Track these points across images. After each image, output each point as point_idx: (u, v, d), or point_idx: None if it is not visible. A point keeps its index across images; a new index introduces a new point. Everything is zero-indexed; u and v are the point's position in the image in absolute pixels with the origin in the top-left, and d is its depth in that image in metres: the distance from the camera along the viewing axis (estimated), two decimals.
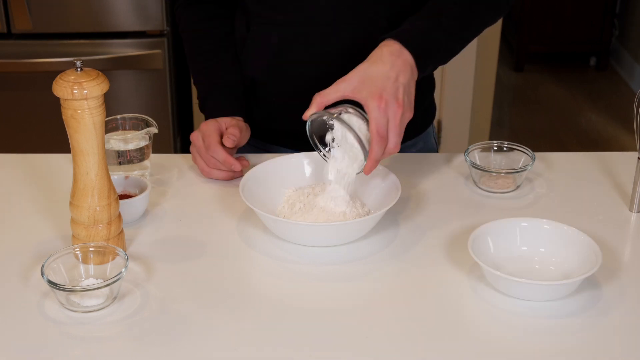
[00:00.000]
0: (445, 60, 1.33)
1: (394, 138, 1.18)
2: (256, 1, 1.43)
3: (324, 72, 1.36)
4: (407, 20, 1.29)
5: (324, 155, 1.25)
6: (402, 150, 1.53)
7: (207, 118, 1.43)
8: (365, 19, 1.39)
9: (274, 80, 1.47)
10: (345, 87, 1.20)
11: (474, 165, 1.35)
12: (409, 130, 1.57)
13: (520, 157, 1.39)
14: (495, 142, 1.41)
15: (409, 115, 1.21)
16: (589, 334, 1.03)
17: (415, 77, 1.24)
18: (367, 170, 1.18)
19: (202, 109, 1.47)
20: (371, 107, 1.17)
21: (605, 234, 1.23)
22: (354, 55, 1.40)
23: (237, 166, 1.35)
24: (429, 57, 1.26)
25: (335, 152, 1.22)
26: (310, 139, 1.24)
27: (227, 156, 1.35)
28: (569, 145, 3.73)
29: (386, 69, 1.20)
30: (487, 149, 1.41)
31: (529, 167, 1.35)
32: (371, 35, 1.39)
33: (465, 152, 1.38)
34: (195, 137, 1.39)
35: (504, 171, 1.35)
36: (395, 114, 1.17)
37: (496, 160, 1.40)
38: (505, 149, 1.41)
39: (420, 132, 1.57)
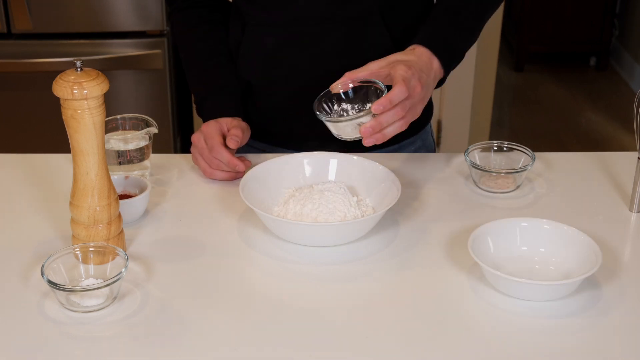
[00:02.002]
0: (463, 55, 1.37)
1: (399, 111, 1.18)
2: (248, 3, 1.43)
3: (319, 72, 1.36)
4: (427, 24, 1.33)
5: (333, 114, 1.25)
6: (401, 149, 1.54)
7: (205, 120, 1.42)
8: (357, 14, 1.39)
9: (270, 82, 1.47)
10: (374, 65, 1.23)
11: (474, 165, 1.35)
12: (408, 128, 1.58)
13: (520, 157, 1.39)
14: (495, 142, 1.41)
15: (420, 108, 1.23)
16: (589, 334, 1.03)
17: (438, 79, 1.29)
18: (374, 108, 1.16)
19: (199, 112, 1.46)
20: (399, 68, 1.19)
21: (605, 234, 1.23)
22: (349, 52, 1.40)
23: (241, 167, 1.35)
24: (453, 59, 1.31)
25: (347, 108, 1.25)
26: (318, 104, 1.24)
27: (231, 157, 1.35)
28: (569, 145, 3.73)
29: (414, 58, 1.25)
30: (487, 149, 1.41)
31: (529, 167, 1.35)
32: (365, 31, 1.38)
33: (465, 152, 1.38)
34: (196, 138, 1.39)
35: (504, 171, 1.35)
36: (414, 88, 1.20)
37: (496, 160, 1.40)
38: (505, 149, 1.41)
39: (419, 130, 1.57)
